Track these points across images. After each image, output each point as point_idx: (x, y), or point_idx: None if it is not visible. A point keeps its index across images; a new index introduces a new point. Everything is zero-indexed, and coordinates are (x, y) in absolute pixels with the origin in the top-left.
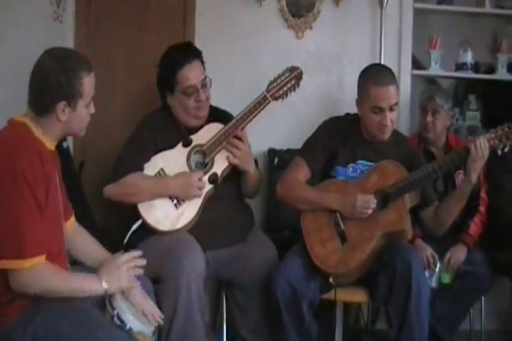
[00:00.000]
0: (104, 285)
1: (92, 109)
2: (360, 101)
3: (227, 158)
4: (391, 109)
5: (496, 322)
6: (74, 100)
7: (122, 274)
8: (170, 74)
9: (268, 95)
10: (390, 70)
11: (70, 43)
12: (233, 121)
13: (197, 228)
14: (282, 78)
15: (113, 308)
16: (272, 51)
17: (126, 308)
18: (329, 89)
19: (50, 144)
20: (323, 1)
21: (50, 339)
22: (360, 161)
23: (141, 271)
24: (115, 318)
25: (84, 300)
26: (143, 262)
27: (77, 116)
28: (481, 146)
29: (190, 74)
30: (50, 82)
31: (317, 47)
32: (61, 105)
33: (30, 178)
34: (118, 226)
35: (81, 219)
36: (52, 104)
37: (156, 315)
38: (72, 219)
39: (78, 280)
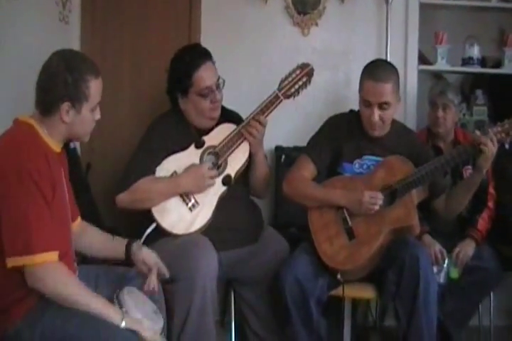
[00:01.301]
0: (123, 323)
1: (98, 116)
2: (359, 93)
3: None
4: (381, 107)
5: (506, 318)
6: (79, 102)
7: (143, 324)
8: (185, 76)
9: (280, 94)
10: (390, 68)
11: (75, 44)
12: (246, 122)
13: (210, 229)
14: (293, 76)
15: (121, 306)
16: (277, 48)
17: (135, 306)
18: (336, 86)
19: (56, 146)
20: None
21: (58, 338)
22: (366, 156)
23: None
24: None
25: None
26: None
27: (82, 120)
28: (493, 147)
29: (206, 75)
30: (56, 81)
31: (323, 44)
32: (65, 106)
33: (35, 175)
34: (126, 227)
35: (88, 221)
36: (57, 103)
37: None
38: (79, 220)
39: (100, 304)
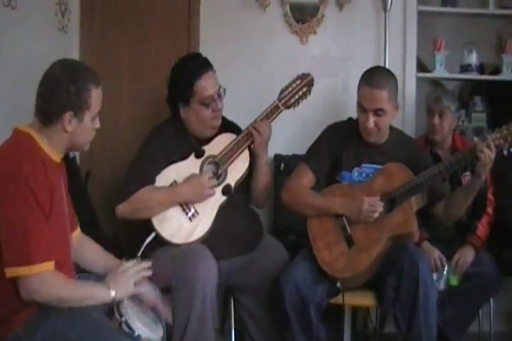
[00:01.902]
0: (112, 292)
1: (97, 124)
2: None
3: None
4: (376, 113)
5: (506, 324)
6: (81, 111)
7: (128, 279)
8: (187, 85)
9: (280, 104)
10: (387, 76)
11: (75, 53)
12: (246, 131)
13: (209, 238)
14: (294, 86)
15: (121, 315)
16: (276, 57)
17: (134, 315)
18: (334, 94)
19: (56, 156)
20: (327, 6)
21: None
22: (364, 164)
23: (148, 273)
24: (123, 325)
25: (93, 307)
26: (148, 264)
27: (83, 129)
28: (490, 153)
29: (207, 84)
30: (59, 91)
31: (321, 52)
32: (68, 115)
33: (33, 185)
34: (126, 235)
35: (88, 229)
36: (59, 113)
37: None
38: (78, 230)
39: (86, 288)
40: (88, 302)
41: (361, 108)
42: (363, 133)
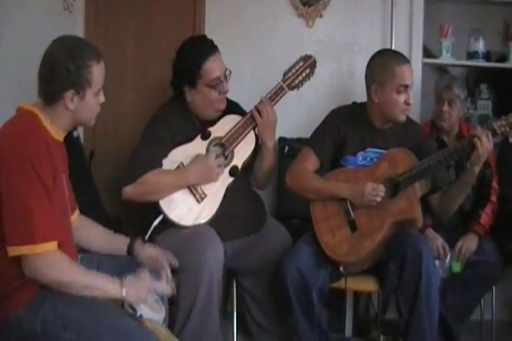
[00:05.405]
0: (124, 292)
1: (102, 99)
2: (380, 84)
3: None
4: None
5: (507, 312)
6: (83, 89)
7: (145, 289)
8: (194, 67)
9: (284, 85)
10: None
11: (79, 33)
12: (250, 112)
13: (215, 219)
14: (297, 67)
15: None
16: (282, 40)
17: None
18: (340, 78)
19: (59, 135)
20: None
21: (59, 324)
22: (369, 149)
23: (168, 292)
24: (126, 305)
25: None
26: (171, 288)
27: (86, 105)
28: (486, 143)
29: (215, 66)
30: (59, 70)
31: (327, 36)
32: (69, 94)
33: (37, 164)
34: (129, 216)
35: (91, 209)
36: (61, 92)
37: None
38: (77, 212)
39: (97, 278)
40: (96, 292)
41: (402, 87)
42: (401, 114)
